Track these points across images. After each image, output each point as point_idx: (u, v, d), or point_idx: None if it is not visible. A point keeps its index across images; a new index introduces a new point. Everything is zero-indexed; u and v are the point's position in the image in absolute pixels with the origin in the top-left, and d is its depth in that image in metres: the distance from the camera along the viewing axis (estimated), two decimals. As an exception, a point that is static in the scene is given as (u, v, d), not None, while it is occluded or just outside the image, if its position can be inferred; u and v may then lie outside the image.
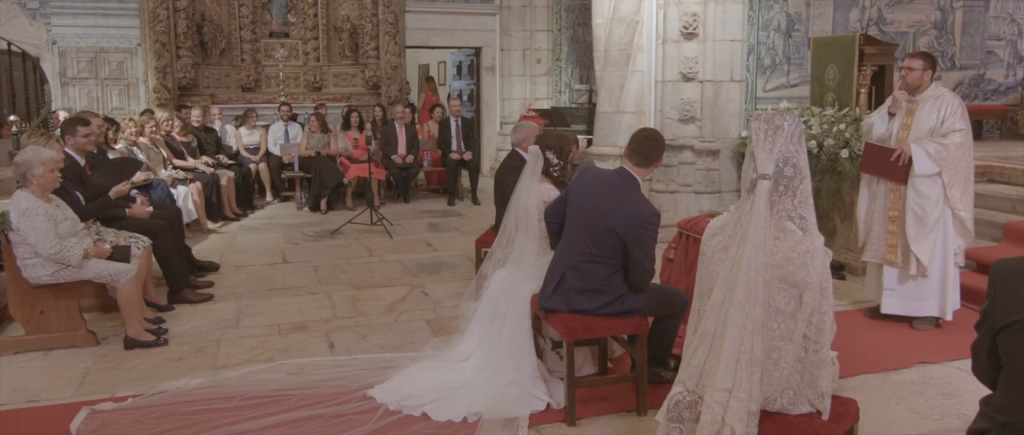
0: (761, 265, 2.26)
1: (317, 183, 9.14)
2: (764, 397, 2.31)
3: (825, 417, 2.33)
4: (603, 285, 3.42)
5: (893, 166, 4.53)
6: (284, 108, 9.95)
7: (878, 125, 4.71)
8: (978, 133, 8.51)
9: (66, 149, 5.09)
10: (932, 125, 4.48)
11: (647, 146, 3.42)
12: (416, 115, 11.61)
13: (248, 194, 9.25)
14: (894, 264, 4.64)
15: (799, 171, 2.35)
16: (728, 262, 2.34)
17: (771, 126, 2.35)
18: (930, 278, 4.56)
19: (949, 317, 4.63)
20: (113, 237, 4.91)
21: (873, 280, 4.89)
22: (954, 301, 4.63)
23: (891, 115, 4.67)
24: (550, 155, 4.02)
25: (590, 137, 8.90)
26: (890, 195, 4.65)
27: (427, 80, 14.78)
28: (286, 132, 9.80)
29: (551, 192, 3.97)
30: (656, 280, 4.83)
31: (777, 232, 2.32)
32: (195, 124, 9.14)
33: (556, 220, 3.65)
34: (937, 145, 4.42)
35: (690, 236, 4.54)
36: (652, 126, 7.34)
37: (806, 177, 2.36)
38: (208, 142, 9.11)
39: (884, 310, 4.71)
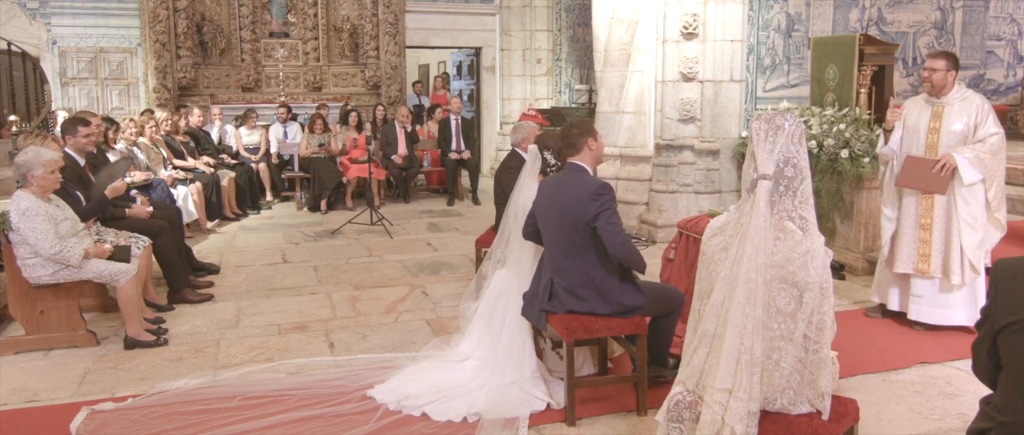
0: (761, 265, 2.26)
1: (316, 183, 9.15)
2: (764, 397, 2.31)
3: (825, 417, 2.33)
4: (588, 279, 3.43)
5: (935, 177, 4.36)
6: (281, 110, 9.95)
7: (890, 143, 4.60)
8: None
9: (66, 149, 5.09)
10: (963, 129, 4.37)
11: (566, 134, 3.63)
12: (425, 113, 11.56)
13: (253, 195, 9.25)
14: (927, 274, 4.48)
15: (800, 171, 2.35)
16: (728, 262, 2.34)
17: (772, 126, 2.35)
18: (964, 286, 4.43)
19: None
20: (113, 237, 4.91)
21: (887, 284, 4.73)
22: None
23: (888, 132, 4.61)
24: (548, 155, 4.02)
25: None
26: (921, 203, 4.48)
27: (439, 78, 14.71)
28: (285, 133, 9.80)
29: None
30: (656, 280, 4.86)
31: (777, 232, 2.32)
32: (196, 124, 9.15)
33: (532, 234, 3.72)
34: (975, 151, 4.30)
35: (690, 236, 4.54)
36: (652, 126, 7.36)
37: (807, 177, 2.36)
38: (205, 143, 9.11)
39: (912, 317, 4.58)
